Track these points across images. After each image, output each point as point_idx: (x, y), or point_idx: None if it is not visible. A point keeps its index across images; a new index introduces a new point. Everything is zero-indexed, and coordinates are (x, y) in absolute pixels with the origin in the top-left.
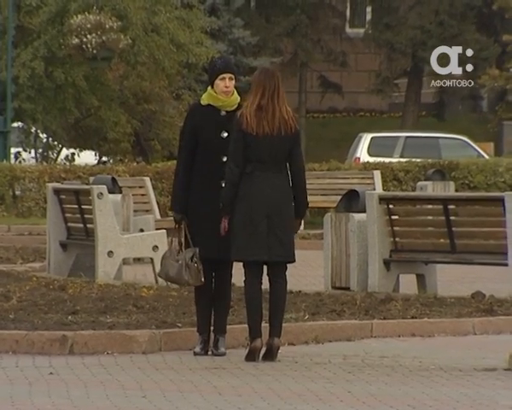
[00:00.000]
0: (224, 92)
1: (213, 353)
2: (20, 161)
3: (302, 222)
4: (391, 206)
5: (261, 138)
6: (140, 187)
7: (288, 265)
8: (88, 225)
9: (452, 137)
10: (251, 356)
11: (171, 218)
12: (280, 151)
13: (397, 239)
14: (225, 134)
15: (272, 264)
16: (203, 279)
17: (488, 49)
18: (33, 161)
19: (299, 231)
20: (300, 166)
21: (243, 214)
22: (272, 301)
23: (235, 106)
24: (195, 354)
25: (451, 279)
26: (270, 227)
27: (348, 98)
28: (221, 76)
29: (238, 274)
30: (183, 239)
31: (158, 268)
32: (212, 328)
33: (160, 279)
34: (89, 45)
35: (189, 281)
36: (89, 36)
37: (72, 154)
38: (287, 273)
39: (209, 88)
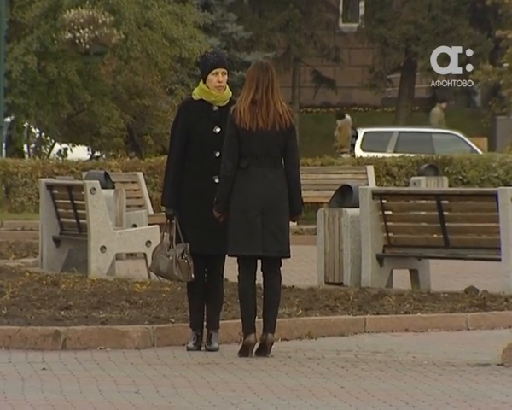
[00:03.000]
0: (216, 87)
1: (206, 348)
2: None
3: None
4: (384, 201)
5: (255, 133)
6: (133, 182)
7: (282, 260)
8: (81, 221)
9: (446, 132)
10: (244, 351)
11: (164, 213)
12: (274, 146)
13: (390, 234)
14: (218, 129)
15: (266, 259)
16: (193, 275)
17: (481, 44)
18: (26, 156)
19: (292, 226)
20: (295, 162)
21: (238, 209)
22: (266, 297)
23: (228, 101)
24: (188, 349)
25: (445, 274)
26: (265, 222)
27: (341, 93)
28: (214, 71)
29: (231, 269)
30: (173, 234)
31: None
32: (205, 323)
33: (152, 274)
34: (82, 40)
35: (179, 277)
36: (82, 31)
37: (65, 149)
38: (281, 268)
39: (201, 83)
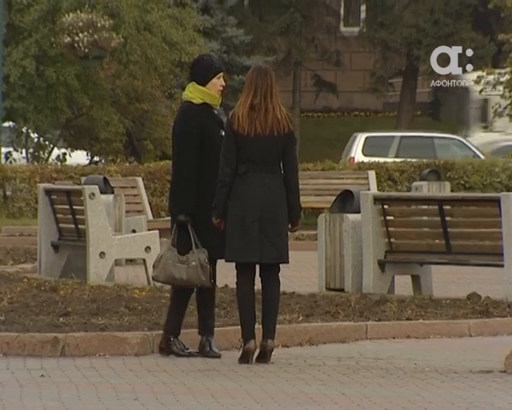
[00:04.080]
0: (219, 91)
1: (210, 354)
2: (10, 161)
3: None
4: (386, 206)
5: (252, 138)
6: (132, 187)
7: (282, 265)
8: (79, 226)
9: (448, 136)
10: (244, 358)
11: (164, 219)
12: (272, 151)
13: (392, 240)
14: (223, 132)
15: (265, 265)
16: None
17: (484, 48)
18: (24, 161)
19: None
20: (293, 167)
21: (236, 215)
22: (265, 303)
23: None
24: (180, 355)
25: (447, 280)
26: (263, 228)
27: (343, 98)
28: (218, 74)
29: (231, 275)
30: (192, 240)
31: (150, 269)
32: (201, 331)
33: (151, 280)
34: (80, 44)
35: (206, 283)
36: (80, 34)
37: (64, 154)
38: (280, 274)
39: (198, 86)
